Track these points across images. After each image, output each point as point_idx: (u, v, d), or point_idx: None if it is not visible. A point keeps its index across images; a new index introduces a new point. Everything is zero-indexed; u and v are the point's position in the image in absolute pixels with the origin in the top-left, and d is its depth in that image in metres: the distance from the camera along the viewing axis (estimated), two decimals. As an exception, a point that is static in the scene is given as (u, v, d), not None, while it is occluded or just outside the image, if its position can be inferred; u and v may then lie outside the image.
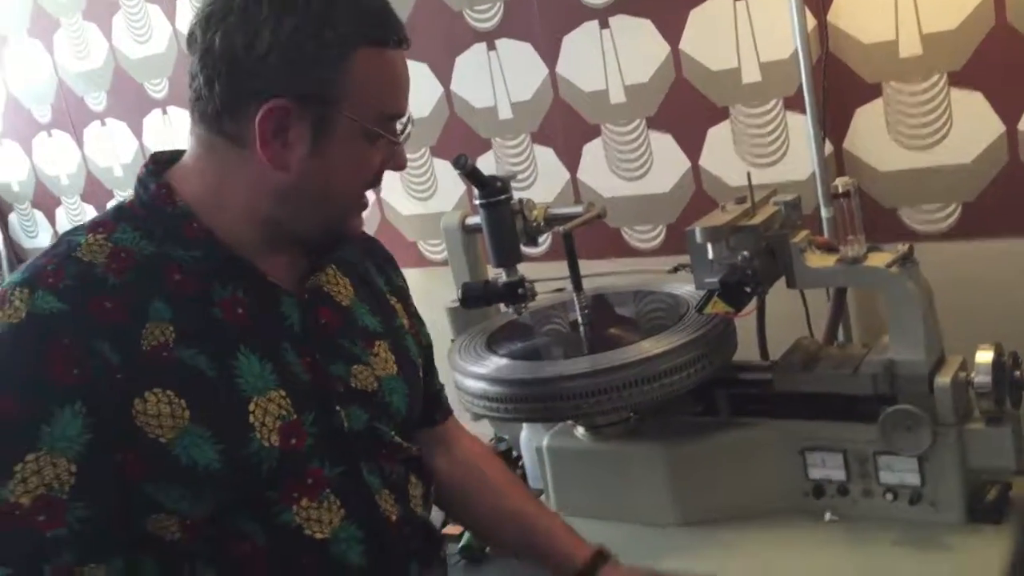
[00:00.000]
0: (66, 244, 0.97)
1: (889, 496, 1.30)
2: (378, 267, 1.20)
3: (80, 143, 2.84)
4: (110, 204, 1.05)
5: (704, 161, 1.85)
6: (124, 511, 0.93)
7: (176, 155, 1.03)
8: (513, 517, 1.24)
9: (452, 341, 1.61)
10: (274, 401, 0.98)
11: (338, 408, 1.04)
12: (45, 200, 3.05)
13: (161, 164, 1.03)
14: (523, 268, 1.59)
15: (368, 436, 1.06)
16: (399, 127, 1.02)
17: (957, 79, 1.56)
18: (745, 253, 1.30)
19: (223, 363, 0.96)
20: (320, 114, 0.95)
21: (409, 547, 1.09)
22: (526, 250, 2.05)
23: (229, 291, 0.99)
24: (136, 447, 0.91)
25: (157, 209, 0.99)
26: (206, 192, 0.99)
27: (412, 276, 2.32)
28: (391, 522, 1.06)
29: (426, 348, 1.25)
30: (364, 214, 1.08)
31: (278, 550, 0.98)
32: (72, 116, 2.81)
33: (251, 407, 0.96)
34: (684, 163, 1.87)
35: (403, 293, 1.23)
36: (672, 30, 1.80)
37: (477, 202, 1.47)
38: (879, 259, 1.28)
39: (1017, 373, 1.22)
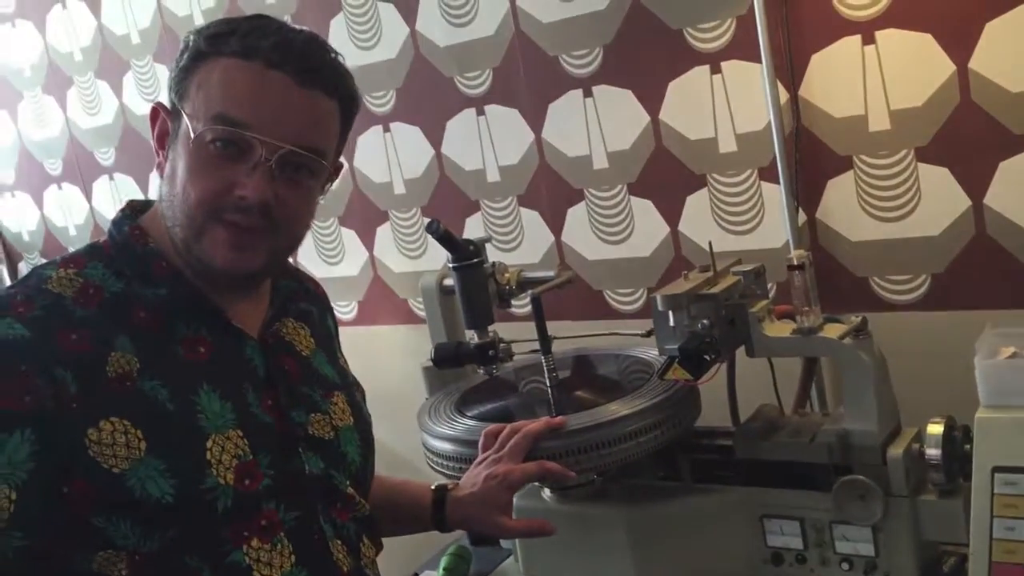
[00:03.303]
0: (36, 276, 1.00)
1: (845, 566, 1.31)
2: (323, 312, 1.24)
3: (88, 196, 2.92)
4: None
5: (683, 226, 1.89)
6: (67, 547, 0.93)
7: (151, 203, 1.09)
8: (379, 488, 1.26)
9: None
10: (232, 440, 0.99)
11: (300, 451, 1.06)
12: (54, 250, 3.12)
13: (136, 210, 1.08)
14: (507, 328, 1.62)
15: (324, 484, 1.08)
16: (250, 138, 0.96)
17: (924, 154, 1.60)
18: (705, 321, 1.33)
19: (184, 398, 0.98)
20: (175, 116, 1.02)
21: None
22: (512, 310, 2.10)
23: (193, 330, 1.02)
24: (88, 478, 0.92)
25: (128, 248, 1.03)
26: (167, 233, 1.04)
27: (402, 333, 2.40)
28: (343, 572, 1.07)
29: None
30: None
31: None
32: (81, 169, 2.90)
33: (208, 443, 0.98)
34: (664, 228, 1.91)
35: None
36: (652, 101, 1.85)
37: (450, 266, 1.51)
38: (834, 330, 1.30)
39: (968, 447, 1.24)
